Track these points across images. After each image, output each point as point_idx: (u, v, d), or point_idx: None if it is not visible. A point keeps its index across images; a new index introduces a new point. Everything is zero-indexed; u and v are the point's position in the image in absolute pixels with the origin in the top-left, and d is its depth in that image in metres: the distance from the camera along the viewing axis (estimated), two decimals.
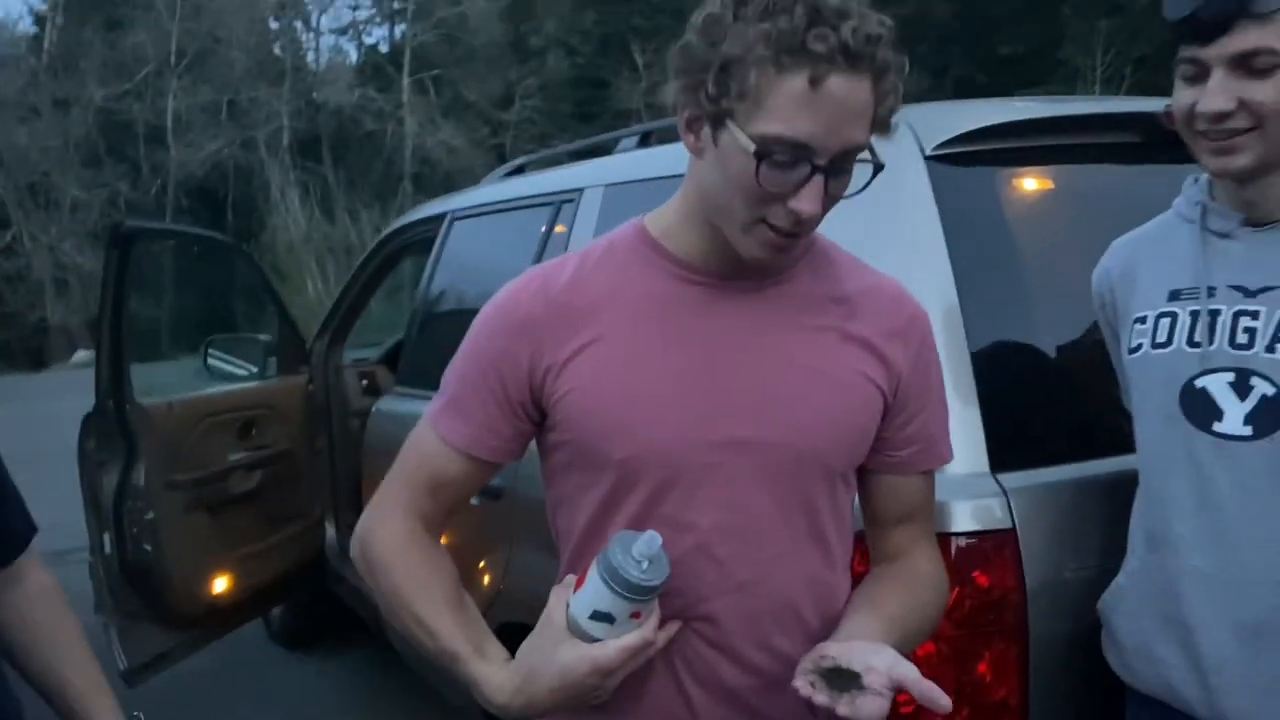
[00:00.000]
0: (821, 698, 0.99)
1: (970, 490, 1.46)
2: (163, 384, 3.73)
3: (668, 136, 2.49)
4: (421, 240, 3.41)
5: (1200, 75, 1.22)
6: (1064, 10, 21.23)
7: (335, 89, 31.80)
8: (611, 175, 2.36)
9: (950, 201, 1.61)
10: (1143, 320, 1.36)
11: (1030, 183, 1.73)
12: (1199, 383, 1.28)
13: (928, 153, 1.64)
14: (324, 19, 35.36)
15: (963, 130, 1.65)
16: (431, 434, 1.19)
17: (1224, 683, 1.26)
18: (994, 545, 1.45)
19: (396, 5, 34.12)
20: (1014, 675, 1.47)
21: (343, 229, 21.00)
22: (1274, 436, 1.22)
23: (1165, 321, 1.33)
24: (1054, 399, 1.63)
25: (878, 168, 1.08)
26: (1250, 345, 1.24)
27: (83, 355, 23.87)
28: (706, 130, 1.04)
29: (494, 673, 1.11)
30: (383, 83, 32.23)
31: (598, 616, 1.04)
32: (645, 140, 2.55)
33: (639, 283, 1.15)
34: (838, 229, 1.68)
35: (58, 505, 7.62)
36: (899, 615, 1.14)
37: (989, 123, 1.67)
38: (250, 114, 30.10)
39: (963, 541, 1.44)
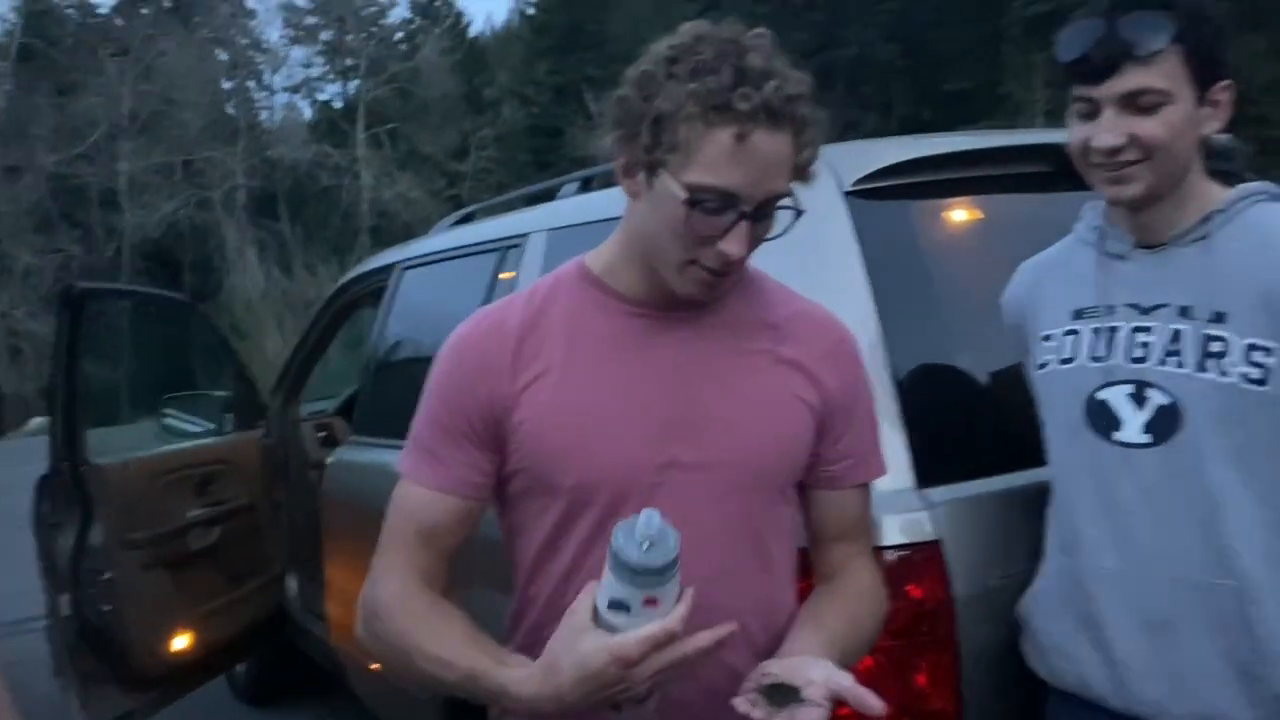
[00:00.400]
0: (759, 713, 1.04)
1: (898, 505, 1.52)
2: (120, 447, 3.73)
3: (608, 181, 2.57)
4: (373, 291, 3.46)
5: (1093, 113, 1.32)
6: (1004, 47, 21.80)
7: (290, 146, 31.83)
8: (555, 220, 2.44)
9: (869, 234, 1.69)
10: (1049, 338, 1.45)
11: (945, 213, 1.83)
12: (1100, 395, 1.36)
13: (846, 189, 1.72)
14: (277, 77, 35.54)
15: (878, 166, 1.74)
16: (412, 487, 1.24)
17: (1132, 674, 1.34)
18: (924, 558, 1.51)
19: (349, 62, 34.31)
20: (949, 682, 1.52)
21: (301, 284, 20.97)
22: (1170, 443, 1.31)
23: (1070, 339, 1.42)
24: (975, 416, 1.71)
25: (798, 213, 1.16)
26: (1146, 359, 1.33)
27: (38, 422, 23.45)
28: (642, 176, 1.13)
29: (518, 673, 1.10)
30: (338, 138, 32.34)
31: (615, 606, 1.03)
32: (587, 185, 2.63)
33: (583, 318, 1.22)
34: (763, 262, 1.76)
35: (14, 573, 7.46)
36: (840, 630, 1.19)
37: (903, 158, 1.76)
38: (205, 173, 30.03)
39: (894, 555, 1.50)
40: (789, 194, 1.13)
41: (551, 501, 1.20)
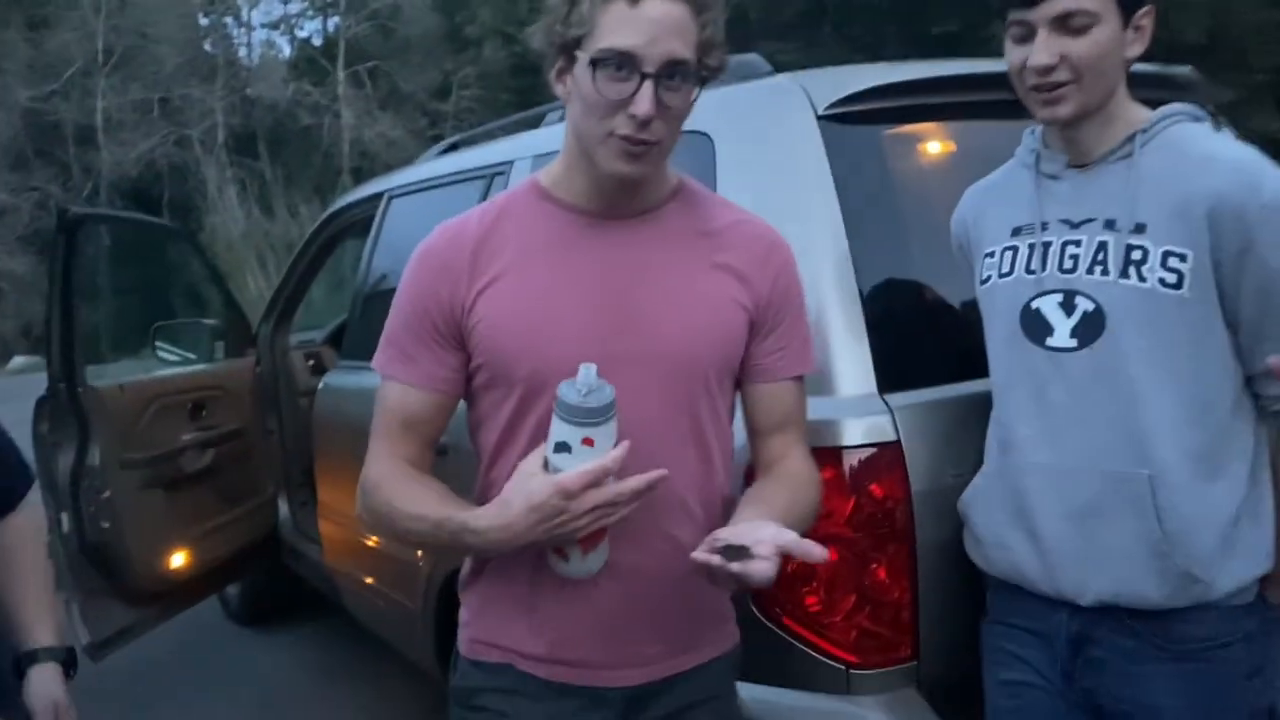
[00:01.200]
0: (717, 559, 1.16)
1: (861, 409, 1.64)
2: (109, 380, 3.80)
3: None
4: (361, 220, 3.52)
5: (1028, 35, 1.41)
6: None
7: (269, 84, 31.36)
8: (539, 147, 2.51)
9: (840, 156, 1.78)
10: (991, 255, 1.56)
11: (913, 138, 1.92)
12: (1034, 304, 1.48)
13: (820, 112, 1.81)
14: (255, 14, 34.86)
15: (851, 91, 1.82)
16: (389, 383, 1.38)
17: (1059, 559, 1.46)
18: (885, 457, 1.63)
19: None
20: (906, 573, 1.65)
21: (282, 224, 20.78)
22: (1093, 346, 1.42)
23: (1009, 254, 1.53)
24: (933, 329, 1.81)
25: (703, 80, 1.28)
26: (1074, 269, 1.44)
27: (20, 361, 23.36)
28: (568, 76, 1.28)
29: (476, 510, 1.27)
30: (318, 76, 31.86)
31: (558, 448, 1.19)
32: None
33: (533, 225, 1.36)
34: (741, 181, 1.86)
35: None
36: (782, 507, 1.31)
37: (874, 83, 1.84)
38: (183, 111, 29.60)
39: (857, 455, 1.62)
40: (690, 64, 1.24)
41: (509, 392, 1.33)
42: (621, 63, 1.21)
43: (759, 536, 1.16)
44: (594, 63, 1.21)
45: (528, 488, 1.20)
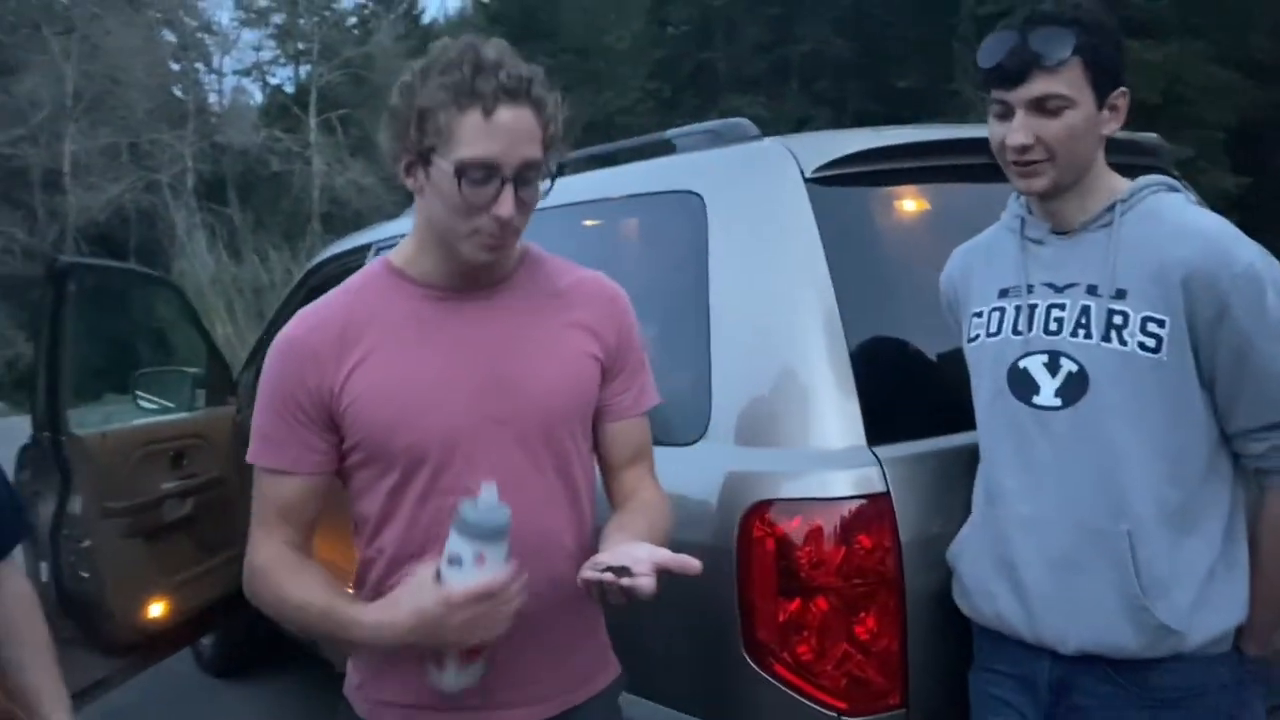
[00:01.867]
0: (609, 576, 1.24)
1: (851, 461, 1.69)
2: (92, 423, 3.79)
3: (580, 166, 2.70)
4: (347, 271, 3.54)
5: (1007, 114, 1.51)
6: (955, 45, 22.18)
7: (240, 130, 31.36)
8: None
9: (828, 218, 1.85)
10: (979, 315, 1.64)
11: (898, 200, 2.00)
12: (1021, 363, 1.55)
13: (807, 176, 1.88)
14: (227, 60, 34.97)
15: (838, 155, 1.90)
16: (260, 473, 1.44)
17: (1041, 609, 1.52)
18: (874, 509, 1.68)
19: (301, 46, 33.89)
20: (895, 622, 1.69)
21: (251, 270, 20.69)
22: (1077, 406, 1.50)
23: (996, 314, 1.61)
24: (920, 384, 1.88)
25: (553, 176, 1.40)
26: (1059, 331, 1.52)
27: None
28: (420, 172, 1.35)
29: (367, 607, 1.34)
30: (289, 123, 31.92)
31: (451, 561, 1.25)
32: (561, 170, 2.76)
33: (393, 304, 1.43)
34: (731, 240, 1.92)
35: None
36: (643, 532, 1.40)
37: (860, 148, 1.92)
38: (153, 156, 29.49)
39: (847, 506, 1.67)
40: (541, 162, 1.35)
41: (388, 467, 1.40)
42: (483, 172, 1.29)
43: (636, 556, 1.26)
44: (458, 173, 1.29)
45: (417, 595, 1.27)
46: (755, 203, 1.95)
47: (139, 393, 3.95)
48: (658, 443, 2.03)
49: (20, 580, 1.57)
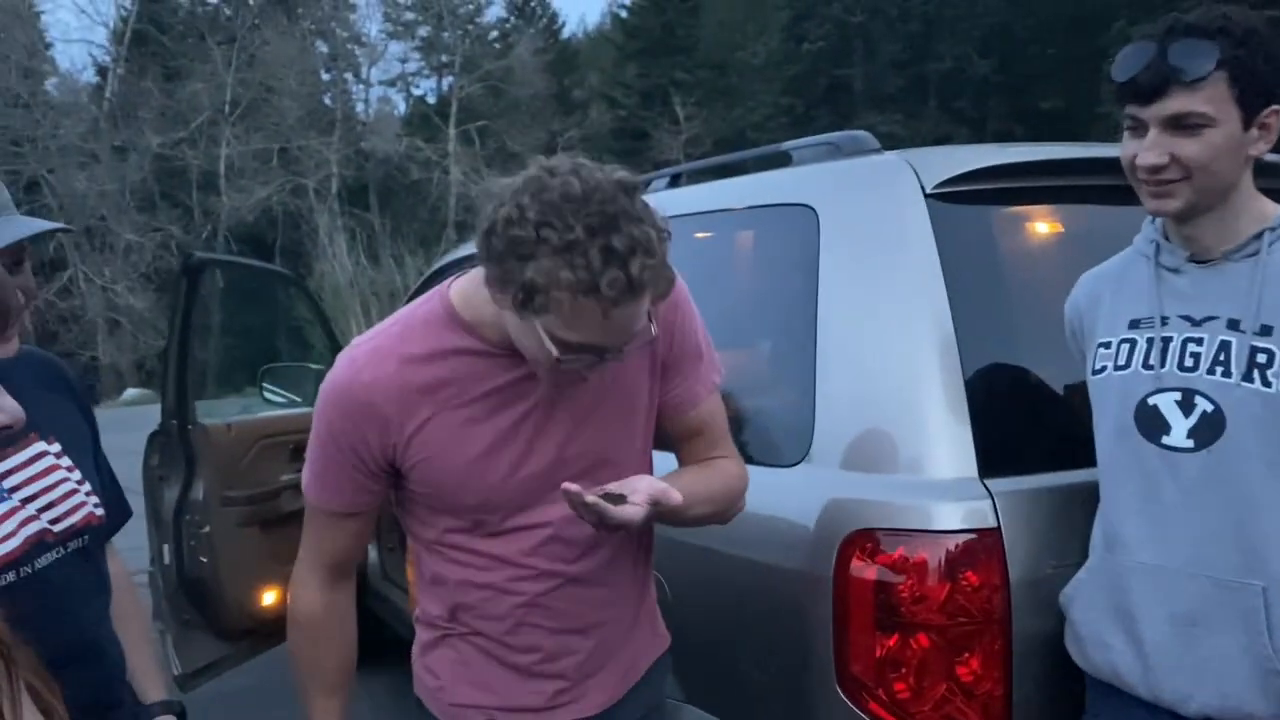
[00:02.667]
0: (589, 496, 1.24)
1: (961, 493, 1.60)
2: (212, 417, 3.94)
3: (697, 178, 2.68)
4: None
5: (1140, 130, 1.40)
6: (1104, 65, 21.37)
7: (383, 138, 32.56)
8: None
9: (948, 236, 1.76)
10: (1107, 345, 1.52)
11: (1022, 220, 1.89)
12: (1151, 400, 1.43)
13: (928, 191, 1.80)
14: (374, 71, 36.34)
15: (960, 171, 1.81)
16: (314, 506, 1.43)
17: (1161, 666, 1.40)
18: (983, 544, 1.59)
19: (444, 59, 34.96)
20: (1000, 665, 1.60)
21: (388, 274, 21.43)
22: (1211, 449, 1.37)
23: (1125, 346, 1.49)
24: (1038, 415, 1.77)
25: (652, 340, 1.31)
26: (1195, 368, 1.40)
27: (132, 393, 24.39)
28: (512, 307, 1.19)
29: None
30: (429, 133, 32.97)
31: None
32: (675, 181, 2.74)
33: (460, 364, 1.34)
34: (844, 256, 1.86)
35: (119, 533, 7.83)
36: (687, 481, 1.40)
37: (984, 164, 1.83)
38: (300, 161, 30.88)
39: (954, 540, 1.58)
40: (647, 331, 1.25)
41: (452, 513, 1.39)
42: (586, 351, 1.21)
43: (635, 486, 1.28)
44: (560, 349, 1.19)
45: None
46: (871, 218, 1.88)
47: (265, 385, 4.09)
48: (756, 463, 1.99)
49: (117, 563, 1.62)
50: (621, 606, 1.48)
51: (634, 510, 1.26)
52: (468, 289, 1.35)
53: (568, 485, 1.25)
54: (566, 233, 1.12)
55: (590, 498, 1.23)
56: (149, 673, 1.60)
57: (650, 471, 1.48)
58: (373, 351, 1.34)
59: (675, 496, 1.30)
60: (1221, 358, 1.38)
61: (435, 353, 1.33)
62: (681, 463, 1.54)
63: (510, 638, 1.42)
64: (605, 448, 1.41)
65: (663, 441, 1.54)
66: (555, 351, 1.19)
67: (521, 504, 1.38)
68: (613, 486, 1.28)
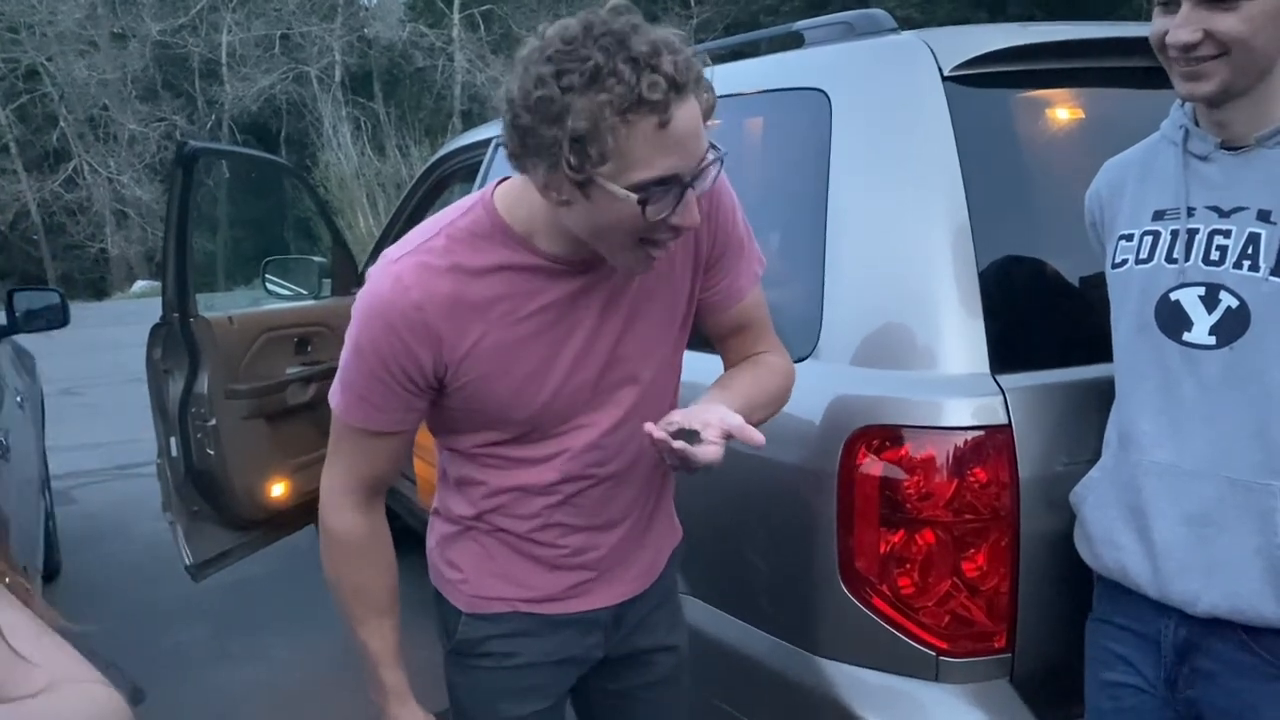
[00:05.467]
0: (679, 444, 1.19)
1: (971, 389, 1.56)
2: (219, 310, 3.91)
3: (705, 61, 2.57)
4: (469, 165, 3.52)
5: (1172, 6, 1.30)
6: None
7: (386, 24, 31.73)
8: None
9: (965, 121, 1.69)
10: (1129, 238, 1.45)
11: (1043, 105, 1.81)
12: (1173, 295, 1.37)
13: (946, 73, 1.71)
14: None
15: (980, 52, 1.72)
16: (352, 428, 1.34)
17: (1171, 565, 1.37)
18: (993, 441, 1.56)
19: None
20: (1006, 562, 1.58)
21: (393, 164, 21.10)
22: (1234, 346, 1.31)
23: (1148, 239, 1.42)
24: (1054, 308, 1.72)
25: (720, 160, 1.18)
26: (1221, 262, 1.33)
27: (142, 285, 24.42)
28: (576, 194, 1.13)
29: (396, 675, 1.44)
30: (433, 18, 32.12)
31: None
32: None
33: (514, 280, 1.27)
34: (858, 141, 1.78)
35: (121, 424, 7.96)
36: (744, 390, 1.37)
37: (1007, 45, 1.74)
38: (303, 49, 30.18)
39: (964, 437, 1.55)
40: (713, 147, 1.17)
41: (498, 429, 1.35)
42: (664, 187, 1.12)
43: (707, 419, 1.22)
44: (640, 199, 1.11)
45: None
46: (886, 102, 1.80)
47: (269, 277, 4.05)
48: None
49: None
50: (646, 501, 1.47)
51: (715, 450, 1.20)
52: (511, 197, 1.27)
53: (651, 428, 1.19)
54: (584, 64, 1.05)
55: (678, 444, 1.19)
56: None
57: (680, 371, 1.46)
58: (419, 267, 1.25)
59: (754, 436, 1.24)
60: (1250, 251, 1.31)
61: (487, 268, 1.26)
62: (727, 360, 1.49)
63: (538, 534, 1.41)
64: (650, 348, 1.37)
65: (705, 339, 1.49)
66: (634, 197, 1.10)
67: (568, 415, 1.35)
68: (680, 417, 1.22)
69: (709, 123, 1.16)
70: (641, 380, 1.37)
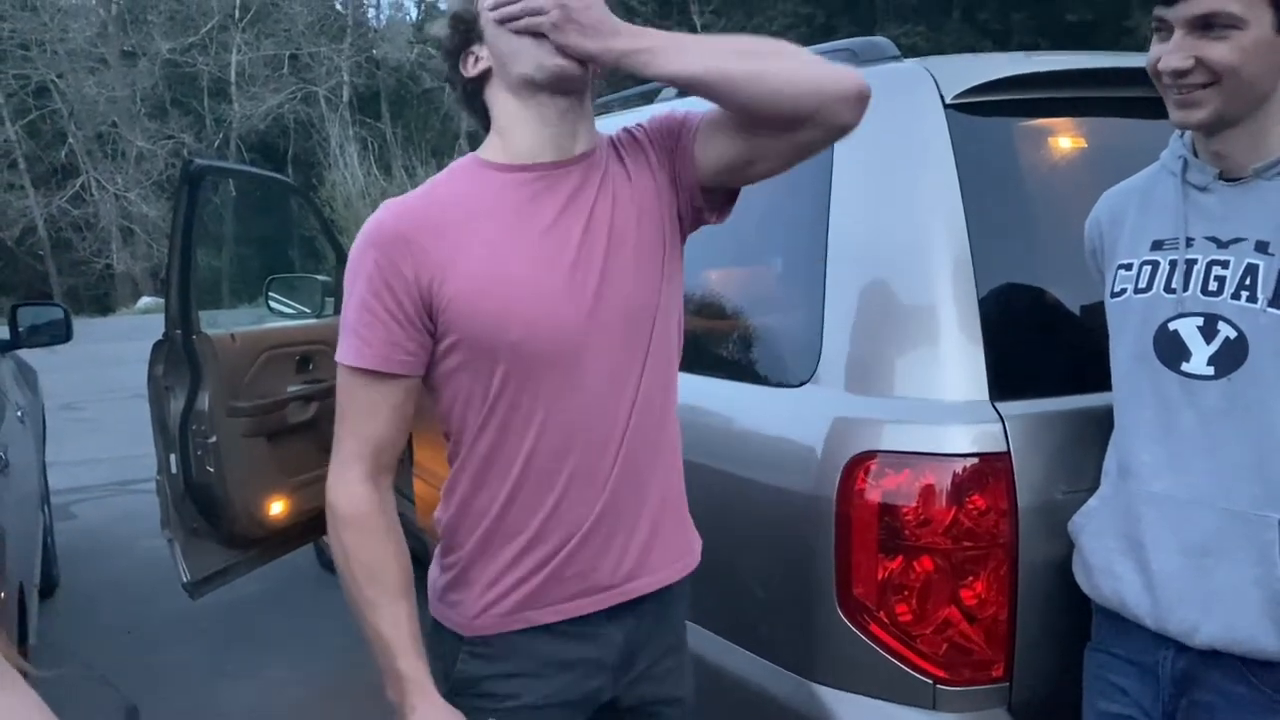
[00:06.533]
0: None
1: (970, 416, 1.56)
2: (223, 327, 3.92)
3: None
4: None
5: (1166, 33, 1.31)
6: None
7: (395, 45, 31.97)
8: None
9: (967, 149, 1.69)
10: (1128, 267, 1.45)
11: (1044, 133, 1.81)
12: (1171, 325, 1.37)
13: (948, 101, 1.72)
14: None
15: (982, 81, 1.73)
16: (347, 374, 1.34)
17: (1169, 596, 1.37)
18: (992, 468, 1.55)
19: None
20: (1005, 590, 1.57)
21: (399, 184, 21.22)
22: (1231, 377, 1.31)
23: (1147, 269, 1.42)
24: (1054, 336, 1.72)
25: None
26: (1219, 292, 1.33)
27: (147, 301, 24.48)
28: (475, 51, 1.37)
29: (415, 662, 1.35)
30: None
31: None
32: (685, 91, 2.65)
33: (484, 193, 1.35)
34: (859, 167, 1.79)
35: (123, 439, 7.94)
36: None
37: (1008, 74, 1.74)
38: (311, 69, 30.43)
39: (963, 464, 1.55)
40: None
41: (494, 365, 1.32)
42: None
43: None
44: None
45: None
46: (887, 128, 1.80)
47: (272, 295, 4.06)
48: (763, 382, 1.95)
49: None
50: (661, 479, 1.45)
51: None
52: (483, 144, 1.42)
53: None
54: None
55: None
56: None
57: (681, 262, 1.47)
58: (401, 201, 1.37)
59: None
60: (1247, 282, 1.31)
61: (461, 189, 1.36)
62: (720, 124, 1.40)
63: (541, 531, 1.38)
64: (642, 278, 1.38)
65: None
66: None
67: (556, 353, 1.32)
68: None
69: None
70: (641, 331, 1.38)
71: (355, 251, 1.34)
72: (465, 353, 1.32)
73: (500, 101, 1.39)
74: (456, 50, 1.40)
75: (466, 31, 1.37)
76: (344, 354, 1.34)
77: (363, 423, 1.35)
